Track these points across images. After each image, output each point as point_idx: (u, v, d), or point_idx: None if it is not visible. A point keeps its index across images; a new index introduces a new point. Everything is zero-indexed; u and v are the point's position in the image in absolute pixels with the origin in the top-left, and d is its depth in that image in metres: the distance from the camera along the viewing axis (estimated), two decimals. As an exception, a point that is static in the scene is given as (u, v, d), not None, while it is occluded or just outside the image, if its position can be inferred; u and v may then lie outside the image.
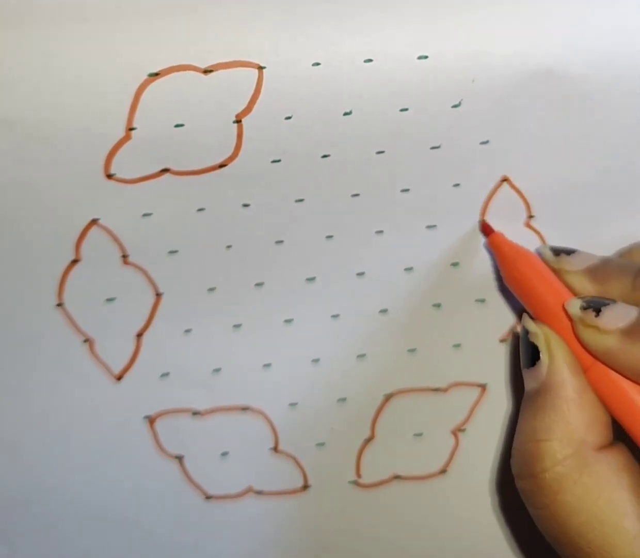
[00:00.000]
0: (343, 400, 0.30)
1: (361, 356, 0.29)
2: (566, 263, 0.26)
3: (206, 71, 0.25)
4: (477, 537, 0.31)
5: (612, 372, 0.24)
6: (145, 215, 0.27)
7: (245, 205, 0.27)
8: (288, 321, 0.29)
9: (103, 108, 0.25)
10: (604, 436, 0.24)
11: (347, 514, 0.30)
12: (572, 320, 0.24)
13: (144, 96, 0.25)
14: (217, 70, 0.25)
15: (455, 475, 0.30)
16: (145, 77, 0.25)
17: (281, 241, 0.28)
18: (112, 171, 0.26)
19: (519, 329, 0.28)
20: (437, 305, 0.29)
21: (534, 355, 0.25)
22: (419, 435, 0.30)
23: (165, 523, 0.30)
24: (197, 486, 0.30)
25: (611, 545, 0.23)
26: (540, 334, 0.25)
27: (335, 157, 0.27)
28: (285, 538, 0.30)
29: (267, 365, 0.29)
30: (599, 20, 0.26)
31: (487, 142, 0.27)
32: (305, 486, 0.30)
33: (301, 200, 0.27)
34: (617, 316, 0.24)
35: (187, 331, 0.29)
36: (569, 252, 0.26)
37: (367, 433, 0.30)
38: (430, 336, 0.29)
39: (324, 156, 0.27)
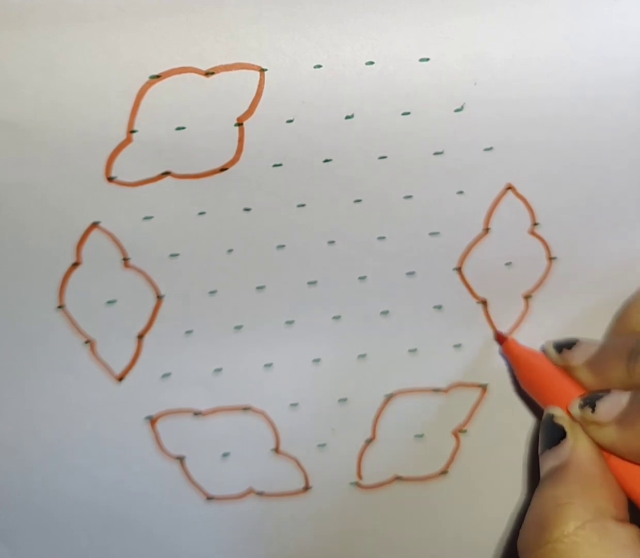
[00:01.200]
0: (344, 400, 0.29)
1: (362, 356, 0.29)
2: (569, 359, 0.27)
3: (207, 73, 0.25)
4: (477, 538, 0.31)
5: (626, 463, 0.24)
6: (146, 218, 0.27)
7: (247, 209, 0.27)
8: (289, 322, 0.29)
9: (104, 110, 0.25)
10: (621, 513, 0.24)
11: (348, 515, 0.30)
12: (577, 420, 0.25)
13: (145, 99, 0.25)
14: (218, 72, 0.25)
15: (456, 476, 0.30)
16: (146, 79, 0.25)
17: (283, 246, 0.28)
18: (113, 174, 0.26)
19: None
20: (439, 307, 0.29)
21: (557, 436, 0.25)
22: (420, 435, 0.30)
23: (166, 524, 0.30)
24: (198, 487, 0.30)
25: None
26: (566, 417, 0.26)
27: (337, 162, 0.26)
28: (286, 539, 0.30)
29: (268, 366, 0.29)
30: (601, 22, 0.26)
31: (491, 149, 0.27)
32: (306, 488, 0.30)
33: (303, 205, 0.27)
34: (610, 408, 0.24)
35: (188, 332, 0.28)
36: (571, 345, 0.27)
37: (368, 434, 0.30)
38: (431, 337, 0.29)
39: (326, 161, 0.26)
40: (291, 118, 0.26)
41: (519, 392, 0.30)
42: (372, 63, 0.25)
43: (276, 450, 0.29)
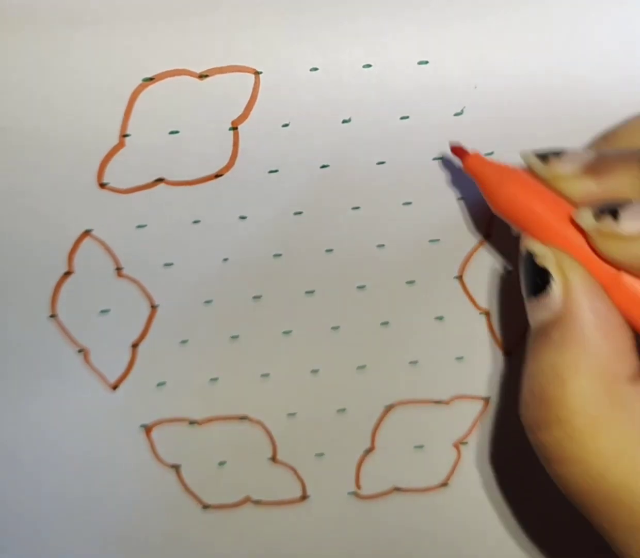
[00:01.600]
0: (343, 410, 0.29)
1: (361, 367, 0.29)
2: (558, 167, 0.21)
3: (202, 76, 0.24)
4: (477, 551, 0.30)
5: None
6: (139, 227, 0.26)
7: (242, 217, 0.26)
8: (286, 332, 0.28)
9: (97, 114, 0.24)
10: (634, 365, 0.20)
11: (345, 525, 0.30)
12: (586, 233, 0.20)
13: (139, 102, 0.25)
14: (212, 75, 0.24)
15: (457, 488, 0.30)
16: (139, 82, 0.24)
17: (279, 255, 0.27)
18: (105, 180, 0.25)
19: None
20: (440, 318, 0.28)
21: (542, 281, 0.21)
22: (420, 447, 0.29)
23: (162, 533, 0.30)
24: (194, 496, 0.29)
25: None
26: (550, 255, 0.21)
27: (334, 168, 0.26)
28: (283, 548, 0.30)
29: (265, 375, 0.28)
30: (602, 26, 0.25)
31: (491, 153, 0.26)
32: (304, 497, 0.30)
33: (300, 213, 0.26)
34: (639, 217, 0.20)
35: (184, 341, 0.28)
36: (558, 153, 0.22)
37: (367, 444, 0.29)
38: (432, 349, 0.28)
39: (323, 166, 0.26)
40: (287, 122, 0.25)
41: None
42: (369, 66, 0.25)
43: (273, 458, 0.29)
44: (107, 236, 0.26)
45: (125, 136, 0.25)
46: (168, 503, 0.29)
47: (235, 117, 0.25)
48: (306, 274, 0.27)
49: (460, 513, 0.30)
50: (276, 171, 0.26)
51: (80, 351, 0.27)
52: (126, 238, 0.26)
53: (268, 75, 0.25)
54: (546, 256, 0.21)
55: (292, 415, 0.29)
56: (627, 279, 0.20)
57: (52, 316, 0.27)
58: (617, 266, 0.20)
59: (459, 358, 0.29)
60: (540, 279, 0.21)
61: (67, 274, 0.27)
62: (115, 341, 0.27)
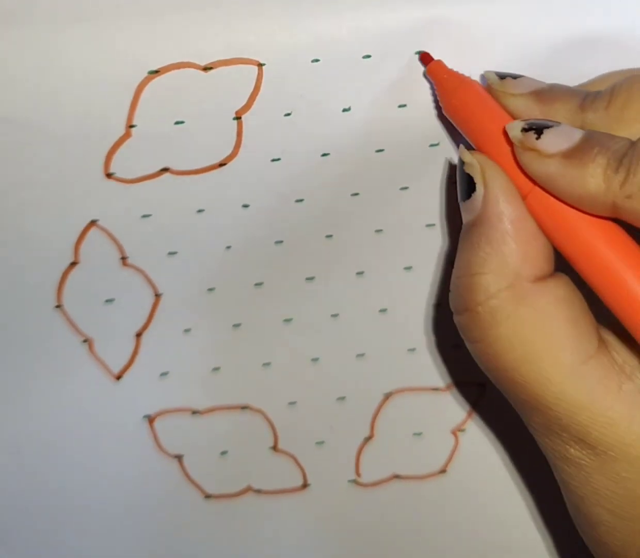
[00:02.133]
0: (342, 398, 0.29)
1: (360, 355, 0.29)
2: (511, 86, 0.24)
3: (206, 68, 0.25)
4: (476, 537, 0.30)
5: (553, 199, 0.22)
6: (144, 216, 0.26)
7: (245, 206, 0.27)
8: (287, 320, 0.28)
9: (103, 105, 0.25)
10: (542, 268, 0.22)
11: (346, 513, 0.30)
12: (512, 144, 0.22)
13: (144, 93, 0.25)
14: (216, 67, 0.25)
15: (455, 474, 0.30)
16: (145, 74, 0.25)
17: (281, 241, 0.27)
18: (111, 170, 0.26)
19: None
20: (438, 304, 0.28)
21: (470, 187, 0.23)
22: (419, 434, 0.30)
23: (165, 522, 0.30)
24: (197, 485, 0.29)
25: (547, 379, 0.22)
26: (475, 164, 0.23)
27: (334, 156, 0.26)
28: (284, 537, 0.30)
29: (267, 364, 0.29)
30: (604, 22, 0.26)
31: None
32: (305, 485, 0.30)
33: (301, 200, 0.27)
34: (559, 139, 0.21)
35: (187, 330, 0.28)
36: (516, 77, 0.24)
37: (366, 432, 0.29)
38: (430, 336, 0.29)
39: (324, 155, 0.26)
40: (289, 111, 0.25)
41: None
42: (369, 57, 0.25)
43: (274, 447, 0.29)
44: (112, 226, 0.26)
45: (132, 126, 0.25)
46: (170, 493, 0.29)
47: (238, 107, 0.25)
48: (306, 260, 0.28)
49: (458, 500, 0.30)
50: (278, 159, 0.26)
51: (85, 341, 0.28)
52: (131, 227, 0.26)
53: (271, 66, 0.25)
54: (473, 165, 0.23)
55: (292, 403, 0.29)
56: (541, 193, 0.22)
57: (58, 306, 0.27)
58: (533, 180, 0.22)
59: (456, 345, 0.29)
60: (468, 185, 0.23)
61: (73, 264, 0.27)
62: (119, 331, 0.28)
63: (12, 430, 0.28)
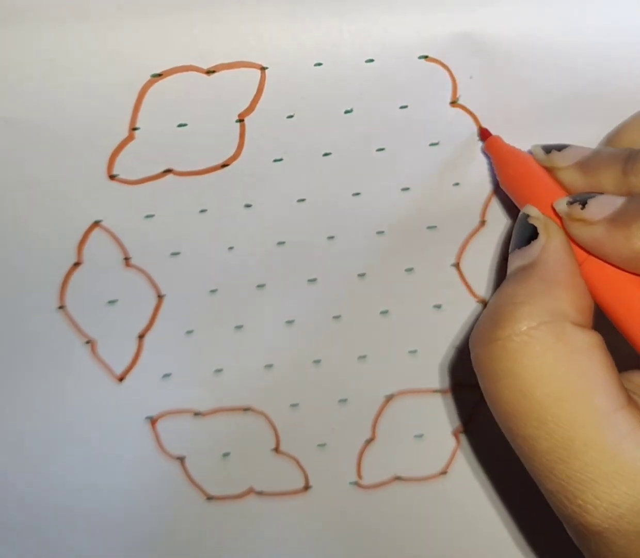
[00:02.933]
0: (344, 400, 0.29)
1: (362, 357, 0.29)
2: (557, 160, 0.24)
3: (209, 72, 0.25)
4: (477, 539, 0.30)
5: (606, 266, 0.22)
6: (147, 216, 0.26)
7: (248, 206, 0.27)
8: (289, 322, 0.28)
9: (107, 108, 0.25)
10: (585, 318, 0.22)
11: (348, 515, 0.30)
12: (561, 217, 0.23)
13: (147, 97, 0.25)
14: (219, 71, 0.25)
15: (456, 476, 0.30)
16: (148, 77, 0.25)
17: (283, 242, 0.27)
18: (115, 172, 0.26)
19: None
20: (438, 306, 0.28)
21: (531, 236, 0.23)
22: (420, 436, 0.30)
23: (167, 524, 0.29)
24: (198, 487, 0.29)
25: (578, 422, 0.20)
26: (541, 216, 0.23)
27: (336, 155, 0.26)
28: (286, 538, 0.30)
29: (269, 366, 0.28)
30: (602, 16, 0.26)
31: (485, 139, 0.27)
32: (306, 487, 0.29)
33: (303, 200, 0.27)
34: (603, 206, 0.22)
35: (189, 332, 0.28)
36: (560, 148, 0.25)
37: (368, 434, 0.29)
38: (431, 338, 0.29)
39: (326, 154, 0.26)
40: (291, 114, 0.25)
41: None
42: (372, 61, 0.25)
43: (276, 449, 0.29)
44: (116, 227, 0.26)
45: (135, 129, 0.25)
46: (173, 495, 0.29)
47: (241, 110, 0.25)
48: (308, 261, 0.28)
49: (459, 501, 0.30)
50: (280, 159, 0.26)
51: (87, 342, 0.27)
52: (135, 228, 0.26)
53: (274, 70, 0.25)
54: (538, 217, 0.24)
55: (294, 405, 0.29)
56: (594, 260, 0.23)
57: (61, 307, 0.27)
58: (583, 248, 0.23)
59: (457, 347, 0.29)
60: (528, 235, 0.23)
61: (76, 265, 0.27)
62: (122, 332, 0.28)
63: (14, 431, 0.28)
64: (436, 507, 0.30)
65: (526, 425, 0.21)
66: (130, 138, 0.25)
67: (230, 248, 0.27)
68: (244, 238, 0.27)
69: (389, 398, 0.29)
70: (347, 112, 0.26)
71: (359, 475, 0.30)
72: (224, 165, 0.26)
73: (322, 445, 0.29)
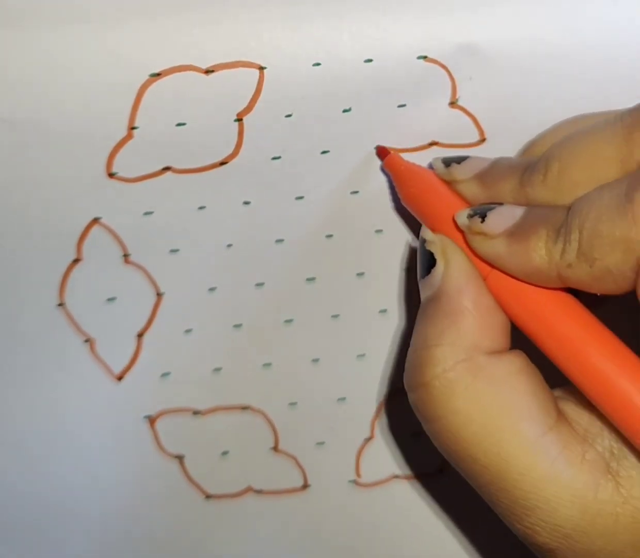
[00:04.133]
0: (343, 399, 0.29)
1: (361, 356, 0.29)
2: (457, 173, 0.24)
3: (207, 71, 0.25)
4: (475, 536, 0.30)
5: (509, 278, 0.22)
6: (146, 214, 0.26)
7: (246, 203, 0.27)
8: (288, 321, 0.28)
9: (105, 108, 0.25)
10: (499, 342, 0.22)
11: (346, 513, 0.30)
12: (462, 231, 0.23)
13: (146, 96, 0.25)
14: (218, 70, 0.25)
15: (454, 475, 0.29)
16: (147, 77, 0.25)
17: (281, 240, 0.27)
18: (114, 170, 0.26)
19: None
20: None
21: (430, 264, 0.23)
22: (418, 434, 0.29)
23: (165, 523, 0.29)
24: (197, 486, 0.29)
25: (509, 453, 0.21)
26: (437, 241, 0.23)
27: (334, 154, 0.26)
28: (284, 537, 0.30)
29: (267, 365, 0.28)
30: (602, 16, 0.26)
31: (484, 140, 0.27)
32: (305, 486, 0.29)
33: (301, 197, 0.27)
34: (502, 219, 0.22)
35: (188, 331, 0.28)
36: (460, 160, 0.24)
37: (366, 433, 0.29)
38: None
39: (324, 152, 0.26)
40: (290, 113, 0.25)
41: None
42: (370, 61, 0.25)
43: (275, 448, 0.29)
44: (115, 224, 0.26)
45: (134, 128, 0.25)
46: (171, 494, 0.29)
47: (240, 109, 0.25)
48: (307, 260, 0.28)
49: (457, 499, 0.30)
50: (279, 157, 0.26)
51: (86, 341, 0.27)
52: (134, 225, 0.26)
53: (272, 70, 0.25)
54: (434, 242, 0.23)
55: (293, 404, 0.29)
56: (498, 273, 0.22)
57: (60, 304, 0.27)
58: (486, 262, 0.23)
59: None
60: (428, 262, 0.23)
61: (76, 261, 0.27)
62: (121, 331, 0.27)
63: (12, 430, 0.28)
64: (434, 505, 0.30)
65: (463, 462, 0.22)
66: (129, 137, 0.25)
67: (229, 246, 0.27)
68: (243, 236, 0.27)
69: (388, 397, 0.29)
70: (345, 111, 0.26)
71: (358, 474, 0.29)
72: (223, 163, 0.26)
73: (320, 444, 0.29)
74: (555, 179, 0.22)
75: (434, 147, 0.27)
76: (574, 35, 0.26)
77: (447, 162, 0.24)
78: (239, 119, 0.25)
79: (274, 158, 0.26)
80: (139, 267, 0.27)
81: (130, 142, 0.25)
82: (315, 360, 0.28)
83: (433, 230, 0.24)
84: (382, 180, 0.27)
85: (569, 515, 0.20)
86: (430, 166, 0.25)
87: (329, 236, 0.27)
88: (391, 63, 0.25)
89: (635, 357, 0.21)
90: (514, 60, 0.26)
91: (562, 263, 0.21)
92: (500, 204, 0.23)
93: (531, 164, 0.23)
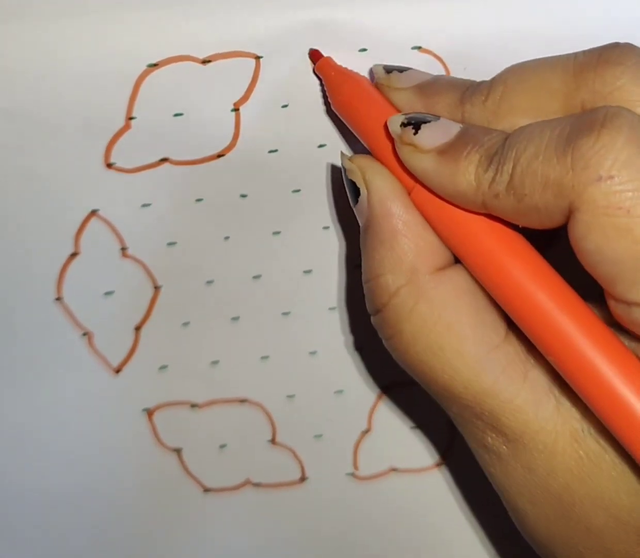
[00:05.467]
0: (340, 392, 0.29)
1: (358, 348, 0.29)
2: (395, 81, 0.23)
3: (204, 61, 0.25)
4: (474, 529, 0.30)
5: (434, 195, 0.22)
6: (144, 206, 0.26)
7: (243, 195, 0.27)
8: (285, 313, 0.28)
9: (103, 98, 0.25)
10: (439, 260, 0.22)
11: (344, 506, 0.30)
12: (393, 138, 0.22)
13: (143, 86, 0.25)
14: (215, 60, 0.25)
15: (452, 467, 0.30)
16: (144, 67, 0.25)
17: (278, 232, 0.27)
18: (112, 161, 0.26)
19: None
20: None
21: (356, 192, 0.23)
22: (416, 427, 0.29)
23: (164, 516, 0.29)
24: (196, 479, 0.29)
25: (452, 370, 0.22)
26: (354, 168, 0.23)
27: (331, 147, 0.26)
28: (283, 530, 0.30)
29: (265, 357, 0.28)
30: (597, 7, 0.26)
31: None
32: (303, 479, 0.29)
33: (298, 190, 0.27)
34: (436, 134, 0.21)
35: (185, 324, 0.28)
36: (402, 70, 0.24)
37: (364, 426, 0.29)
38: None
39: (320, 146, 0.26)
40: (286, 103, 0.25)
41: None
42: (365, 50, 0.25)
43: (272, 441, 0.29)
44: (113, 216, 0.26)
45: (131, 118, 0.25)
46: (170, 487, 0.29)
47: (236, 99, 0.25)
48: (303, 252, 0.27)
49: (455, 492, 0.30)
50: (276, 150, 0.26)
51: (84, 334, 0.27)
52: (131, 217, 0.26)
53: (268, 59, 0.25)
54: (352, 170, 0.23)
55: (290, 397, 0.29)
56: (422, 189, 0.22)
57: (58, 298, 0.27)
58: (412, 175, 0.22)
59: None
60: (354, 191, 0.23)
61: (74, 255, 0.27)
62: (118, 324, 0.27)
63: (10, 423, 0.28)
64: (432, 498, 0.30)
65: (415, 375, 0.23)
66: (126, 127, 0.25)
67: (226, 238, 0.27)
68: (240, 228, 0.27)
69: (385, 390, 0.29)
70: None
71: (355, 466, 0.29)
72: (220, 155, 0.26)
73: (318, 436, 0.29)
74: (496, 101, 0.22)
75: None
76: (569, 26, 0.26)
77: (389, 69, 0.24)
78: (236, 109, 0.25)
79: (271, 151, 0.26)
80: (136, 260, 0.27)
81: (128, 133, 0.25)
82: (313, 353, 0.28)
83: (362, 139, 0.24)
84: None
85: (513, 427, 0.21)
86: (371, 74, 0.25)
87: (326, 227, 0.27)
88: (385, 53, 0.25)
89: (550, 270, 0.21)
90: (508, 51, 0.25)
91: (490, 192, 0.20)
92: (437, 117, 0.22)
93: (474, 84, 0.22)
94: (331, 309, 0.28)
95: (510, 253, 0.21)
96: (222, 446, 0.29)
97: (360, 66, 0.25)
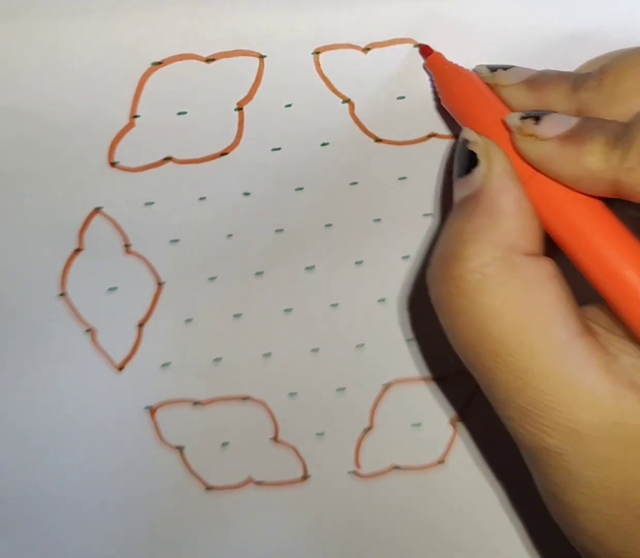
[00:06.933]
0: (342, 389, 0.29)
1: (360, 345, 0.29)
2: (502, 78, 0.24)
3: (208, 60, 0.25)
4: (476, 528, 0.30)
5: (553, 183, 0.22)
6: (147, 204, 0.27)
7: (246, 194, 0.27)
8: (288, 310, 0.28)
9: (107, 96, 0.25)
10: (535, 247, 0.22)
11: (346, 504, 0.30)
12: (511, 131, 0.22)
13: (148, 85, 0.25)
14: (218, 59, 0.25)
15: (454, 465, 0.30)
16: (148, 66, 0.25)
17: (281, 230, 0.27)
18: (116, 159, 0.26)
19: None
20: (435, 294, 0.28)
21: (470, 164, 0.23)
22: (418, 425, 0.30)
23: (166, 514, 0.29)
24: (198, 477, 0.29)
25: (535, 353, 0.21)
26: (480, 141, 0.23)
27: (334, 146, 0.26)
28: (285, 528, 0.30)
29: (267, 355, 0.28)
30: (598, 8, 0.26)
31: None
32: (305, 477, 0.29)
33: (301, 188, 0.27)
34: (557, 124, 0.22)
35: (188, 320, 0.28)
36: (506, 68, 0.24)
37: (366, 423, 0.29)
38: (429, 326, 0.29)
39: (323, 144, 0.26)
40: (290, 102, 0.26)
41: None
42: (368, 49, 0.25)
43: (275, 439, 0.29)
44: (116, 214, 0.27)
45: (135, 117, 0.25)
46: (172, 485, 0.29)
47: (240, 98, 0.26)
48: (306, 249, 0.28)
49: (457, 490, 0.30)
50: (279, 148, 0.26)
51: (87, 331, 0.28)
52: (135, 214, 0.26)
53: (272, 58, 0.25)
54: (477, 143, 0.23)
55: (293, 394, 0.29)
56: (541, 178, 0.22)
57: (62, 294, 0.27)
58: (531, 164, 0.22)
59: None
60: (468, 163, 0.23)
61: (77, 251, 0.27)
62: (121, 321, 0.28)
63: (14, 420, 0.28)
64: (434, 495, 0.30)
65: (482, 358, 0.22)
66: (130, 126, 0.25)
67: (229, 236, 0.27)
68: (243, 226, 0.27)
69: (387, 387, 0.29)
70: (344, 102, 0.26)
71: (357, 464, 0.30)
72: (223, 154, 0.26)
73: (320, 434, 0.29)
74: (611, 85, 0.22)
75: (433, 139, 0.27)
76: (568, 20, 0.26)
77: (493, 68, 0.24)
78: (240, 108, 0.26)
79: (274, 149, 0.26)
80: (139, 257, 0.27)
81: (132, 131, 0.25)
82: (315, 350, 0.29)
83: (475, 131, 0.24)
84: (381, 172, 0.27)
85: (587, 420, 0.20)
86: (474, 70, 0.25)
87: (328, 225, 0.28)
88: (390, 51, 0.25)
89: None
90: (510, 47, 0.26)
91: (622, 166, 0.20)
92: (554, 111, 0.22)
93: (582, 73, 0.23)
94: (333, 306, 0.28)
95: (618, 241, 0.21)
96: (224, 444, 0.29)
97: (363, 65, 0.25)
